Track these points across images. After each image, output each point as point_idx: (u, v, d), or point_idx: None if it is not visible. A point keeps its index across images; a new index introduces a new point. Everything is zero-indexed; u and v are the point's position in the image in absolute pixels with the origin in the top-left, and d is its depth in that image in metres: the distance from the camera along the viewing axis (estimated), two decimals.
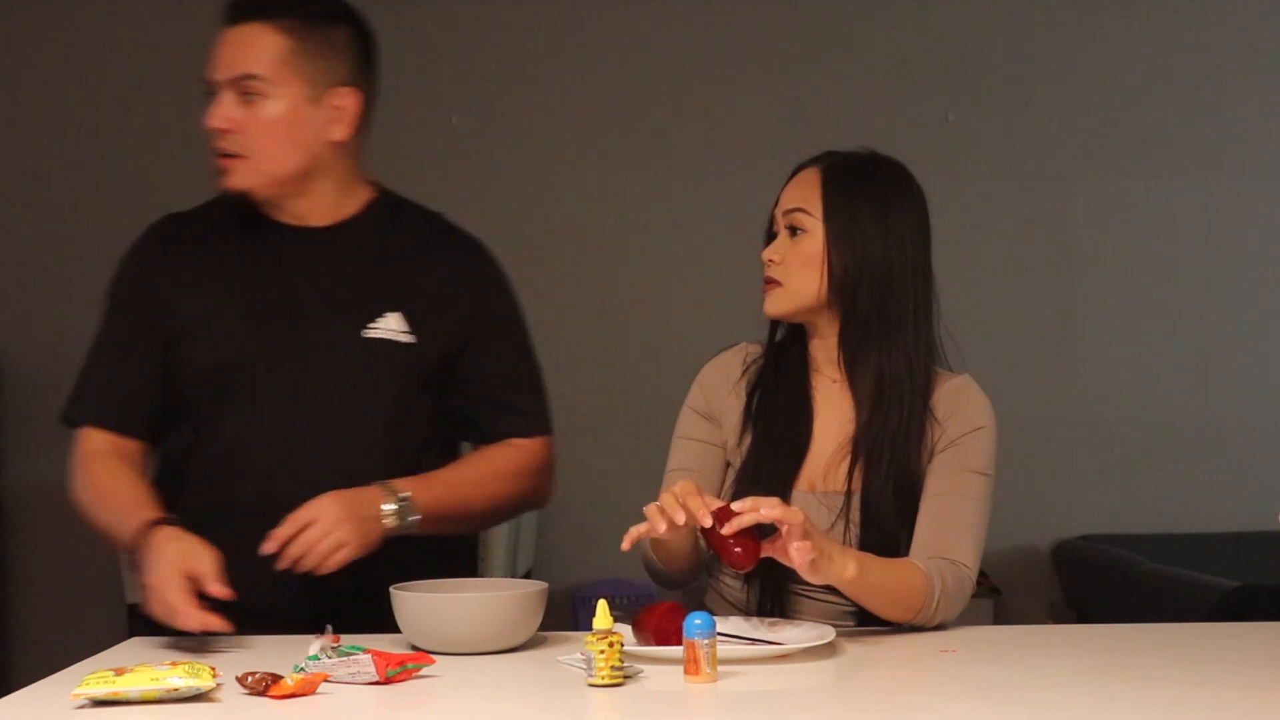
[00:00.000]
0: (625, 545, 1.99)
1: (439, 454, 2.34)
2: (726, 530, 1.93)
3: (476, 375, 2.37)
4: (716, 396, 2.30)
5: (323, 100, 2.24)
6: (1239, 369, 5.24)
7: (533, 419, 2.42)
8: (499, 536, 4.29)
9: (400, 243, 2.36)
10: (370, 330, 2.26)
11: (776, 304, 2.25)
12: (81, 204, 5.00)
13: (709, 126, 5.17)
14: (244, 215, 2.29)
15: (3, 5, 4.99)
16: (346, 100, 2.26)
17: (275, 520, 2.09)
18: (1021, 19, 5.24)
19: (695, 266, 5.11)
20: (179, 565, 2.00)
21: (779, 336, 2.31)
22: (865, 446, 2.20)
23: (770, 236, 2.28)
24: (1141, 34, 5.26)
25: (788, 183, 2.28)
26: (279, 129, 2.21)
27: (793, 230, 2.23)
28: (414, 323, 2.29)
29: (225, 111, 2.21)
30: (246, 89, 2.20)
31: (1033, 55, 5.24)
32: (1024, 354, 5.18)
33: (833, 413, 2.26)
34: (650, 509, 1.96)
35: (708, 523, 1.93)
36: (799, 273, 2.21)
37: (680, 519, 1.92)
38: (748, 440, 2.26)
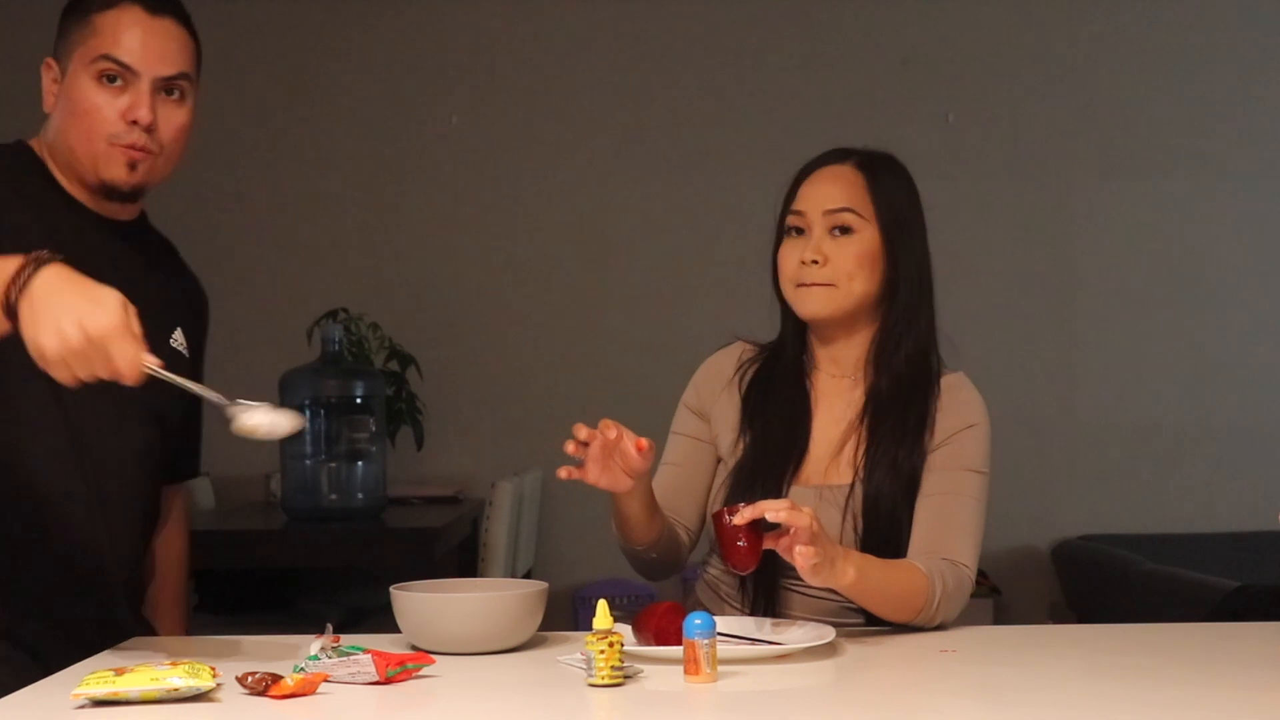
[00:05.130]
0: (561, 474, 2.02)
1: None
2: (738, 520, 1.93)
3: (191, 409, 2.28)
4: (708, 394, 2.32)
5: None
6: (1238, 369, 5.24)
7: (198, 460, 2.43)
8: (499, 536, 4.29)
9: (165, 256, 2.25)
10: (173, 342, 2.16)
11: (827, 304, 2.21)
12: None
13: (709, 127, 5.18)
14: (39, 177, 2.11)
15: (3, 6, 4.99)
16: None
17: (60, 513, 2.02)
18: (1021, 19, 5.25)
19: (695, 266, 5.11)
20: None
21: (785, 333, 2.32)
22: (873, 439, 2.20)
23: (783, 236, 2.26)
24: (1141, 34, 5.27)
25: (806, 181, 2.25)
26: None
27: (837, 230, 2.20)
28: (188, 339, 2.21)
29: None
30: (176, 92, 2.10)
31: (1033, 55, 5.24)
32: (1024, 354, 5.19)
33: (831, 407, 2.26)
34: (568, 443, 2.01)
35: (611, 434, 1.98)
36: (854, 273, 2.19)
37: (581, 434, 1.98)
38: (745, 438, 2.26)
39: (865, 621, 2.15)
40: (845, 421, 2.24)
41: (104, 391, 1.77)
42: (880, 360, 2.24)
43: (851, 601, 2.11)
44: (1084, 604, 4.90)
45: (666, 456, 2.32)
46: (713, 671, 1.76)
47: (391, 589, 1.97)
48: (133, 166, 2.06)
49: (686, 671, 1.77)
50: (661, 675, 1.81)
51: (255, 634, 2.18)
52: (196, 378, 2.12)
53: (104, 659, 1.93)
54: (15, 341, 1.71)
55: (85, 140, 2.05)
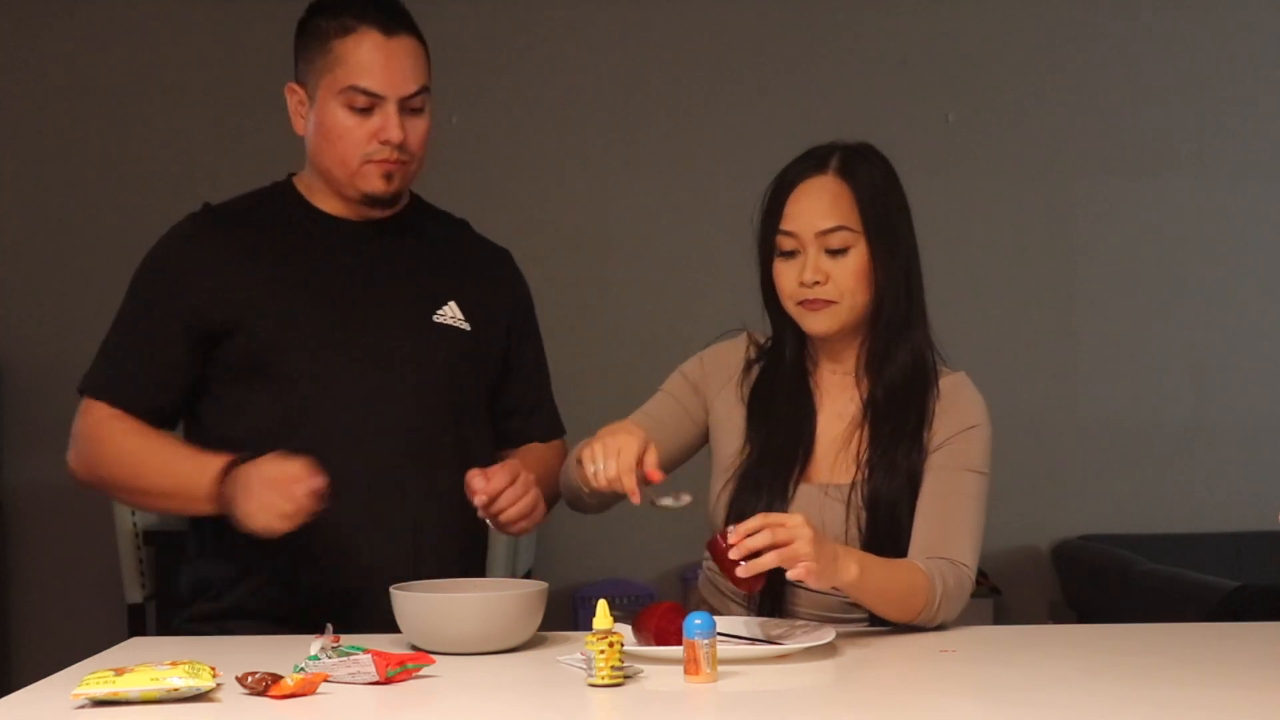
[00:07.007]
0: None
1: (489, 446, 2.39)
2: (734, 555, 1.92)
3: (514, 375, 2.46)
4: (712, 378, 2.32)
5: None
6: (1238, 369, 5.24)
7: (558, 422, 2.53)
8: (499, 536, 4.28)
9: (444, 237, 2.45)
10: (438, 316, 2.33)
11: (834, 321, 2.21)
12: (81, 204, 5.00)
13: (708, 126, 5.17)
14: (292, 207, 2.35)
15: (2, 5, 4.99)
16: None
17: (347, 499, 2.15)
18: (1021, 19, 5.25)
19: (694, 266, 5.11)
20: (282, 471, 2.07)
21: (781, 341, 2.31)
22: (874, 437, 2.21)
23: (770, 252, 2.24)
24: (1141, 34, 5.26)
25: (791, 198, 2.22)
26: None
27: (832, 251, 2.19)
28: (467, 311, 2.36)
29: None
30: (417, 105, 2.27)
31: (1033, 55, 5.24)
32: (1024, 354, 5.18)
33: (834, 402, 2.27)
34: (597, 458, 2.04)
35: (637, 500, 2.01)
36: (855, 290, 2.19)
37: (603, 481, 2.02)
38: (751, 444, 2.26)
39: (869, 620, 2.15)
40: (848, 417, 2.25)
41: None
42: (872, 365, 2.24)
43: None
44: (1084, 604, 4.90)
45: (646, 407, 2.34)
46: (713, 671, 1.76)
47: (391, 589, 1.97)
48: (388, 178, 2.26)
49: (686, 671, 1.77)
50: (661, 675, 1.81)
51: (255, 634, 2.18)
52: (498, 339, 2.42)
53: (104, 659, 1.93)
54: (310, 392, 2.22)
55: (341, 162, 2.26)
